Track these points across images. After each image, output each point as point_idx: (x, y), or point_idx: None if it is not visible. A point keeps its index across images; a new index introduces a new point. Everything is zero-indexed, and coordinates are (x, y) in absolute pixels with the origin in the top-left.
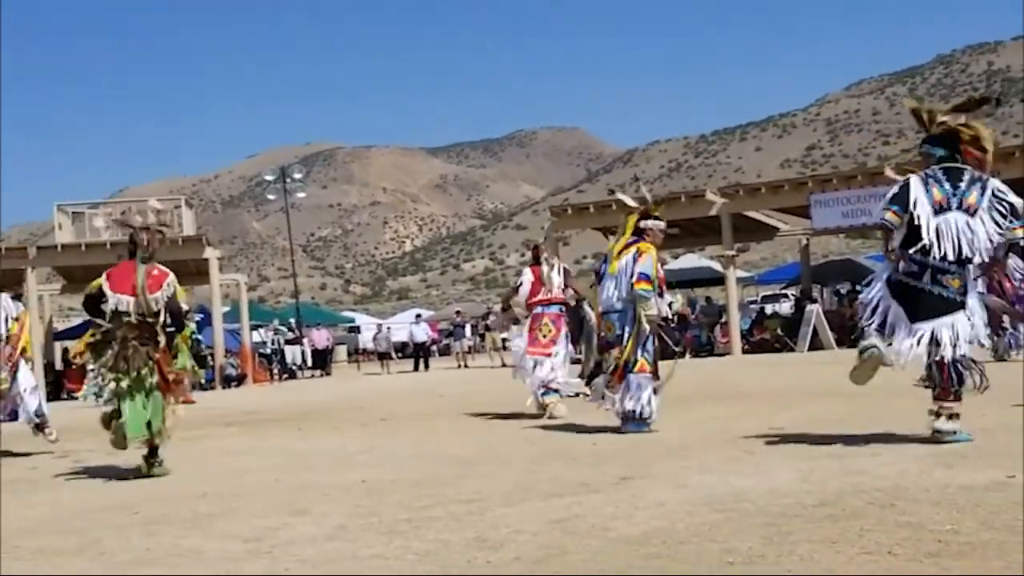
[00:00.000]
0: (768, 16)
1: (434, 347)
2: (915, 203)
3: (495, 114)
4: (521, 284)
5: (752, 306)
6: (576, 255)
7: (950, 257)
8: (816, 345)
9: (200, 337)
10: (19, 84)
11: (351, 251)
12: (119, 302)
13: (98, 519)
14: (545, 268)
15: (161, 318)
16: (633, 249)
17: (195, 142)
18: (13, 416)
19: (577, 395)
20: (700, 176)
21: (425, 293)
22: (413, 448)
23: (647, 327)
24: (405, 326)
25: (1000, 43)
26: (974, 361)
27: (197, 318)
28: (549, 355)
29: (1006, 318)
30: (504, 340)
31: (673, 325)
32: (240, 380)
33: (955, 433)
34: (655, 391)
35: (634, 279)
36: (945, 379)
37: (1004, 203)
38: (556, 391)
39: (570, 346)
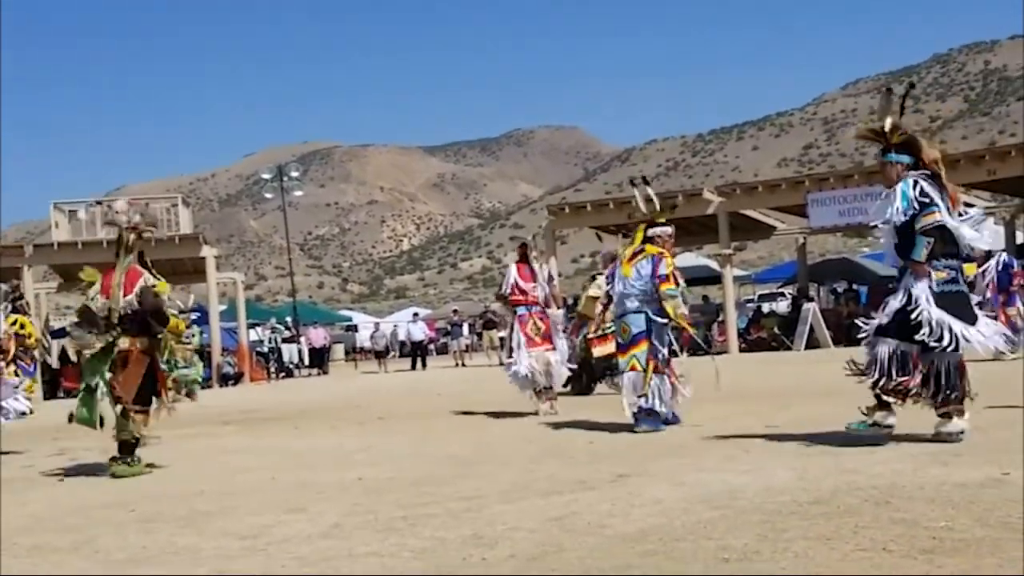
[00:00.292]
0: (765, 16)
1: (431, 346)
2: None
3: (493, 113)
4: (507, 277)
5: (749, 305)
6: (573, 254)
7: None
8: (813, 343)
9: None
10: (17, 83)
11: (348, 250)
12: (101, 302)
13: (94, 517)
14: (535, 266)
15: (139, 318)
16: (647, 255)
17: (192, 141)
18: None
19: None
20: (697, 175)
21: (423, 292)
22: (410, 447)
23: (679, 323)
24: (403, 325)
25: (997, 42)
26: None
27: (194, 316)
28: (553, 348)
29: None
30: (502, 339)
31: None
32: (237, 378)
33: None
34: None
35: (658, 280)
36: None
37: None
38: (550, 387)
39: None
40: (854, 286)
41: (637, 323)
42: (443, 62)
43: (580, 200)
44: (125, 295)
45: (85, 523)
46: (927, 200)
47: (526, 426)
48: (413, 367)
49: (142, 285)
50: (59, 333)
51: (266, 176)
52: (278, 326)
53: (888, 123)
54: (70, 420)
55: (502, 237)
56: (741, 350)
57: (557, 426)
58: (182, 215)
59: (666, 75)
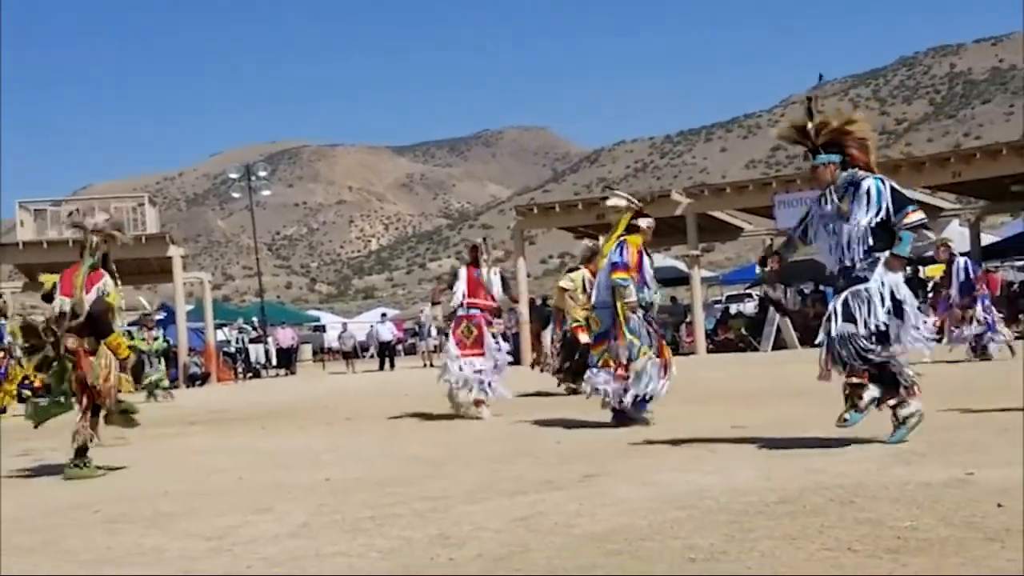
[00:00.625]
0: (732, 18)
1: (399, 346)
2: None
3: (461, 113)
4: (457, 283)
5: (717, 306)
6: (542, 255)
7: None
8: (780, 345)
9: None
10: None
11: (316, 250)
12: (61, 303)
13: (60, 517)
14: (484, 270)
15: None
16: (626, 243)
17: (159, 140)
18: None
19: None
20: (666, 176)
21: (391, 292)
22: (378, 447)
23: (628, 315)
24: (367, 326)
25: (962, 45)
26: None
27: (160, 316)
28: (482, 355)
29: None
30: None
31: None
32: (204, 379)
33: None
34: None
35: (610, 268)
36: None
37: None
38: (484, 391)
39: (506, 352)
40: (820, 287)
41: (605, 320)
42: (412, 62)
43: (549, 201)
44: (87, 294)
45: (50, 523)
46: (905, 197)
47: (493, 427)
48: (381, 367)
49: (99, 288)
50: None
51: (234, 175)
52: (245, 326)
53: (811, 125)
54: (36, 426)
55: (471, 237)
56: (709, 351)
57: (525, 426)
58: (148, 214)
59: (635, 77)
